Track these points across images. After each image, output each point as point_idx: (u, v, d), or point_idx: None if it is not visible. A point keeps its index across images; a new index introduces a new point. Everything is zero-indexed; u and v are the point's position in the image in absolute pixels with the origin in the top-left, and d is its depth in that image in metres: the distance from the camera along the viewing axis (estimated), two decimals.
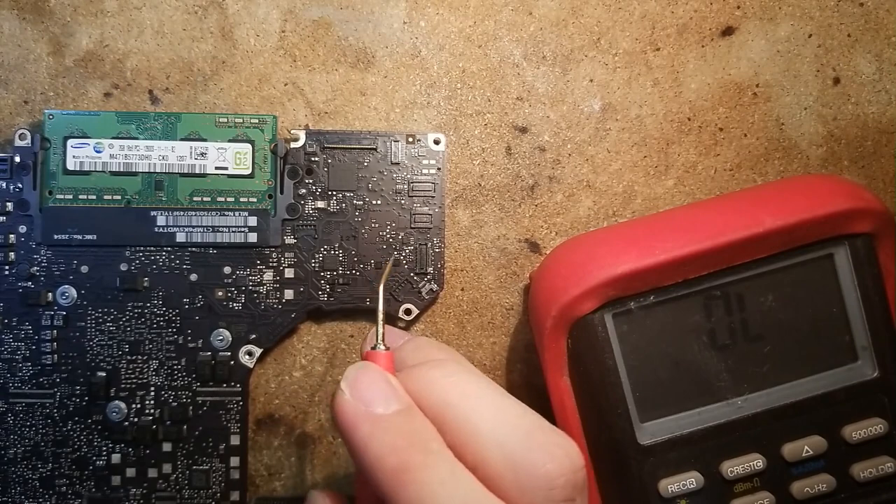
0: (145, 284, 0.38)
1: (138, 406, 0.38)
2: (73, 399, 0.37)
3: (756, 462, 0.34)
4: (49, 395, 0.37)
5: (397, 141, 0.38)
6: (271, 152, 0.38)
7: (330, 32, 0.38)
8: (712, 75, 0.39)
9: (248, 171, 0.38)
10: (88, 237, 0.37)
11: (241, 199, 0.38)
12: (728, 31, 0.39)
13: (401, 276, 0.38)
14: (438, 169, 0.38)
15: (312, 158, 0.38)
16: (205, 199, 0.38)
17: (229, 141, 0.38)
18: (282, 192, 0.38)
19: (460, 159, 0.39)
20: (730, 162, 0.39)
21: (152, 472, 0.38)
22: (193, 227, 0.38)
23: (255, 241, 0.38)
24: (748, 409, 0.34)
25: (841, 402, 0.34)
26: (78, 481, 0.37)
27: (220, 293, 0.38)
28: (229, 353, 0.38)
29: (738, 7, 0.39)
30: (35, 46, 0.38)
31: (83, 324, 0.37)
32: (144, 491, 0.38)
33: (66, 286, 0.37)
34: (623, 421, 0.34)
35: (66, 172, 0.37)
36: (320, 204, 0.38)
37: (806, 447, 0.34)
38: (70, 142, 0.37)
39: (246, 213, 0.38)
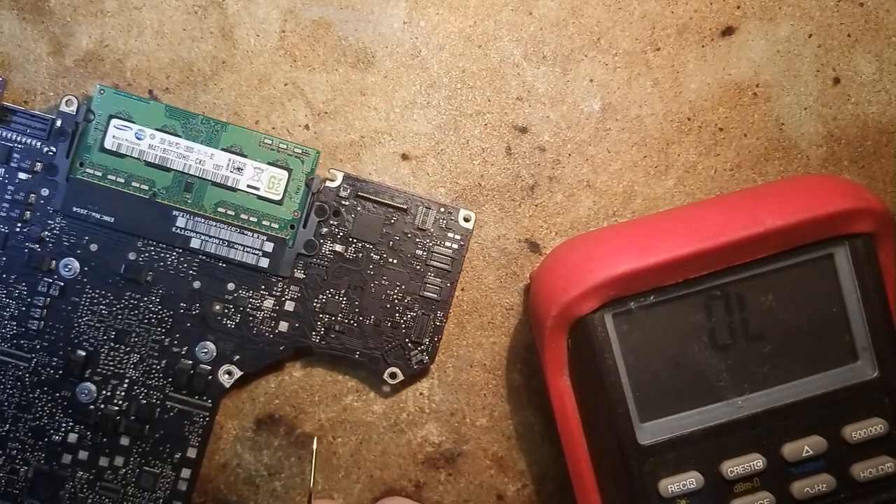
0: (148, 279, 0.38)
1: (108, 394, 0.38)
2: (48, 369, 0.37)
3: (756, 462, 0.34)
4: (25, 359, 0.37)
5: (429, 208, 0.38)
6: (305, 185, 0.38)
7: (330, 32, 0.38)
8: (712, 75, 0.39)
9: (278, 198, 0.38)
10: (106, 218, 0.37)
11: (264, 223, 0.38)
12: (728, 31, 0.39)
13: (396, 339, 0.38)
14: (461, 245, 0.38)
15: (343, 202, 0.38)
16: (229, 212, 0.38)
17: (268, 163, 0.38)
18: (304, 227, 0.38)
19: (460, 159, 0.39)
20: (730, 162, 0.39)
21: (103, 461, 0.38)
22: (210, 236, 0.38)
23: (266, 266, 0.38)
24: (748, 409, 0.34)
25: (841, 401, 0.34)
26: (30, 449, 0.38)
27: (217, 307, 0.38)
28: (209, 368, 0.38)
29: (738, 7, 0.39)
30: (35, 46, 0.38)
31: (77, 300, 0.37)
32: (91, 477, 0.38)
33: (72, 259, 0.37)
34: (623, 421, 0.34)
35: (102, 150, 0.37)
36: (338, 247, 0.38)
37: (806, 447, 0.34)
38: (114, 121, 0.37)
39: (264, 238, 0.38)
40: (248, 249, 0.38)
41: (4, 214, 0.37)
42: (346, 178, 0.38)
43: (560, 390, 0.35)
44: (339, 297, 0.38)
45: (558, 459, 0.39)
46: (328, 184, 0.38)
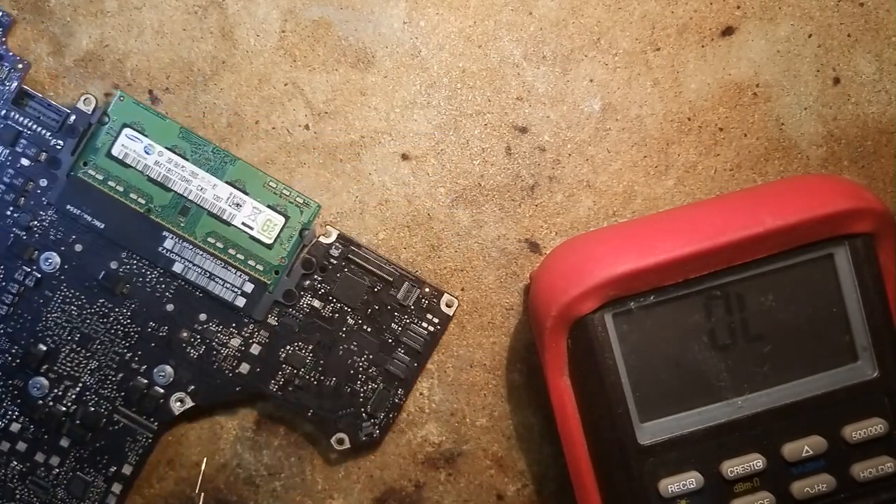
0: (124, 291, 0.38)
1: (59, 393, 0.38)
2: (6, 355, 0.38)
3: (756, 462, 0.34)
4: None
5: (415, 286, 0.38)
6: (299, 234, 0.38)
7: (330, 32, 0.38)
8: (712, 75, 0.39)
9: (269, 242, 0.38)
10: (97, 223, 0.37)
11: (250, 262, 0.38)
12: (728, 31, 0.39)
13: (352, 406, 0.38)
14: (437, 329, 0.38)
15: (332, 260, 0.38)
16: (218, 244, 0.38)
17: (268, 206, 0.38)
18: (288, 275, 0.38)
19: (460, 159, 0.39)
20: (730, 162, 0.39)
21: (40, 457, 0.38)
22: (194, 264, 0.38)
23: (241, 305, 0.38)
24: (748, 409, 0.34)
25: (841, 401, 0.34)
26: None
27: (184, 334, 0.38)
28: (163, 391, 0.38)
29: (738, 7, 0.39)
30: (35, 46, 0.38)
31: (51, 294, 0.37)
32: (23, 469, 0.38)
33: (54, 254, 0.37)
34: (623, 421, 0.34)
35: (108, 155, 0.37)
36: (316, 303, 0.38)
37: (806, 447, 0.34)
38: (126, 130, 0.37)
39: (246, 277, 0.38)
40: (228, 285, 0.38)
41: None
42: (341, 237, 0.38)
43: (560, 390, 0.35)
44: (306, 352, 0.38)
45: (558, 459, 0.39)
46: (321, 238, 0.38)
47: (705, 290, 0.34)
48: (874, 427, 0.34)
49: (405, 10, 0.38)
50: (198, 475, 0.39)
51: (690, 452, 0.34)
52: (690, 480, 0.34)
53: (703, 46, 0.39)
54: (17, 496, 0.38)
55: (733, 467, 0.34)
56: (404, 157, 0.39)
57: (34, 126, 0.37)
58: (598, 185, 0.39)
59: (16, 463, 0.38)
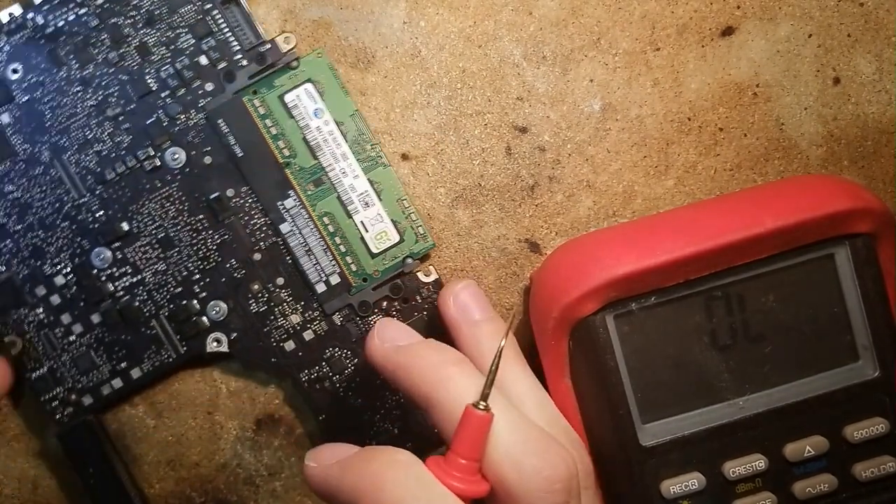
0: (225, 219, 0.38)
1: (116, 274, 0.38)
2: (89, 215, 0.37)
3: (758, 462, 0.34)
4: (80, 192, 0.37)
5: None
6: (402, 259, 0.38)
7: (330, 32, 0.38)
8: (712, 75, 0.39)
9: (375, 251, 0.38)
10: (237, 149, 0.37)
11: (347, 259, 0.38)
12: (728, 31, 0.39)
13: (359, 433, 0.38)
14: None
15: (418, 298, 0.38)
16: (329, 227, 0.38)
17: (391, 219, 0.38)
18: (373, 289, 0.38)
19: (460, 159, 0.39)
20: (730, 162, 0.39)
21: (65, 318, 0.38)
22: (300, 233, 0.37)
23: (319, 292, 0.38)
24: (750, 410, 0.34)
25: (842, 401, 0.34)
26: (19, 258, 0.37)
27: (256, 286, 0.38)
28: (208, 325, 0.38)
29: (738, 7, 0.39)
30: None
31: (159, 185, 0.37)
32: (45, 320, 0.38)
33: (183, 153, 0.37)
34: (625, 422, 0.34)
35: (280, 98, 0.37)
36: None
37: (808, 447, 0.34)
38: (307, 85, 0.37)
39: (337, 270, 0.38)
40: (319, 268, 0.38)
41: (164, 76, 0.37)
42: (436, 282, 0.38)
43: (561, 392, 0.35)
44: (350, 363, 0.38)
45: None
46: (420, 274, 0.38)
47: (706, 291, 0.34)
48: (875, 427, 0.34)
49: (405, 10, 0.38)
50: (198, 475, 0.39)
51: (692, 453, 0.34)
52: (692, 481, 0.34)
53: (703, 46, 0.39)
54: (26, 336, 0.37)
55: (735, 468, 0.34)
56: (404, 157, 0.39)
57: (228, 34, 0.37)
58: (598, 185, 0.39)
59: (42, 311, 0.37)
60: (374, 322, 0.37)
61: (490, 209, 0.39)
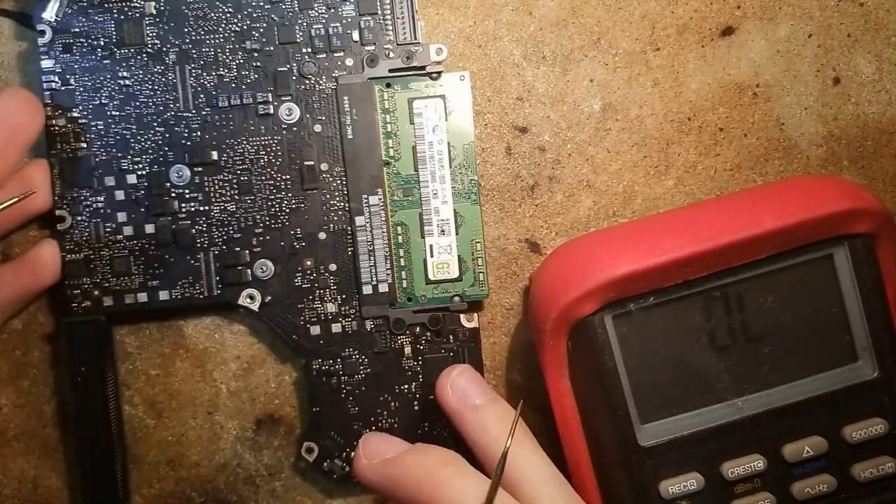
0: (307, 188, 0.37)
1: (187, 195, 0.37)
2: (186, 131, 0.37)
3: (757, 463, 0.34)
4: (188, 108, 0.37)
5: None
6: (452, 297, 0.38)
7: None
8: (712, 75, 0.39)
9: (430, 278, 0.38)
10: (348, 130, 0.37)
11: (401, 274, 0.38)
12: (728, 31, 0.39)
13: (348, 438, 0.38)
14: None
15: (451, 336, 0.38)
16: (399, 238, 0.38)
17: (458, 256, 0.38)
18: (414, 312, 0.38)
19: None
20: (730, 162, 0.39)
21: (121, 216, 0.37)
22: (371, 232, 0.37)
23: (364, 293, 0.38)
24: (748, 410, 0.34)
25: (841, 402, 0.34)
26: (103, 144, 0.37)
27: (308, 262, 0.38)
28: (249, 279, 0.37)
29: (738, 7, 0.39)
30: (35, 47, 0.38)
31: (260, 131, 0.37)
32: (101, 209, 0.37)
33: (298, 111, 0.37)
34: (623, 422, 0.34)
35: (409, 101, 0.37)
36: (408, 350, 0.38)
37: (806, 447, 0.34)
38: (439, 101, 0.37)
39: (389, 281, 0.38)
40: (373, 271, 0.37)
41: (314, 34, 0.37)
42: (474, 331, 0.38)
43: (560, 392, 0.35)
44: (362, 370, 0.38)
45: (558, 460, 0.39)
46: (463, 317, 0.38)
47: (705, 292, 0.34)
48: (874, 427, 0.34)
49: None
50: (198, 475, 0.39)
51: (691, 453, 0.34)
52: (691, 481, 0.34)
53: (703, 46, 0.39)
54: (77, 218, 0.37)
55: (734, 468, 0.34)
56: None
57: (388, 21, 0.37)
58: (598, 185, 0.39)
59: (103, 201, 0.37)
60: (402, 342, 0.37)
61: (490, 209, 0.39)
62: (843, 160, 0.40)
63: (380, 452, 0.34)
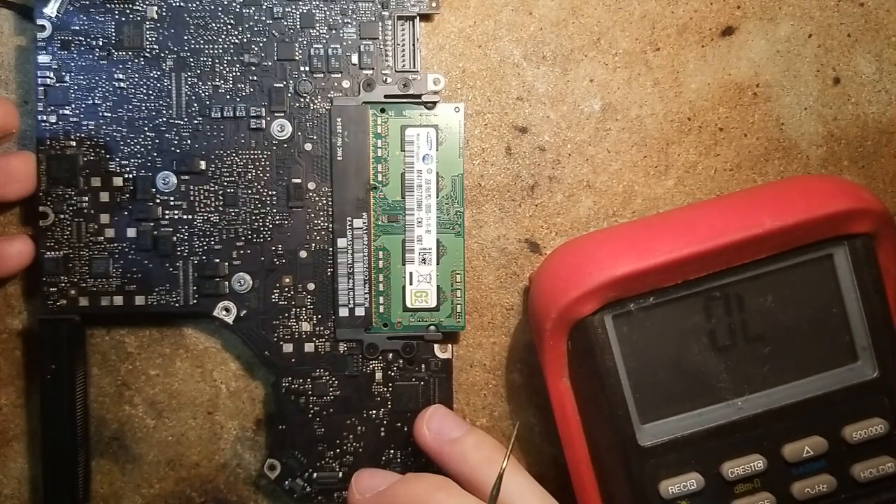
0: (291, 206, 0.38)
1: (171, 203, 0.37)
2: (176, 140, 0.37)
3: (757, 463, 0.34)
4: (180, 115, 0.37)
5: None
6: (427, 327, 0.38)
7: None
8: (712, 75, 0.39)
9: (408, 305, 0.38)
10: (338, 152, 0.37)
11: (379, 299, 0.38)
12: (728, 31, 0.39)
13: (312, 457, 0.38)
14: None
15: (423, 366, 0.38)
16: (380, 263, 0.38)
17: (438, 286, 0.38)
18: (388, 338, 0.38)
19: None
20: (730, 162, 0.39)
21: (104, 218, 0.37)
22: (352, 255, 0.38)
23: (340, 315, 0.38)
24: (748, 410, 0.34)
25: (841, 402, 0.34)
26: (93, 144, 0.37)
27: (287, 280, 0.38)
28: (227, 291, 0.38)
29: (738, 7, 0.39)
30: (34, 42, 0.38)
31: (251, 144, 0.37)
32: (84, 209, 0.37)
33: (289, 128, 0.37)
34: (623, 422, 0.34)
35: (401, 128, 0.37)
36: (378, 376, 0.38)
37: (806, 448, 0.34)
38: (432, 131, 0.37)
39: (366, 305, 0.38)
40: (351, 294, 0.38)
41: (312, 53, 0.37)
42: (447, 362, 0.38)
43: (560, 392, 0.35)
44: (331, 392, 0.38)
45: (558, 460, 0.39)
46: (437, 347, 0.38)
47: (705, 292, 0.34)
48: (874, 427, 0.34)
49: None
50: (198, 475, 0.39)
51: (691, 453, 0.34)
52: (691, 482, 0.34)
53: (703, 46, 0.39)
54: (60, 216, 0.37)
55: (734, 468, 0.34)
56: None
57: (389, 47, 0.38)
58: (598, 185, 0.39)
59: (87, 201, 0.37)
60: (373, 367, 0.38)
61: (490, 209, 0.39)
62: (843, 160, 0.40)
63: (373, 486, 0.34)
